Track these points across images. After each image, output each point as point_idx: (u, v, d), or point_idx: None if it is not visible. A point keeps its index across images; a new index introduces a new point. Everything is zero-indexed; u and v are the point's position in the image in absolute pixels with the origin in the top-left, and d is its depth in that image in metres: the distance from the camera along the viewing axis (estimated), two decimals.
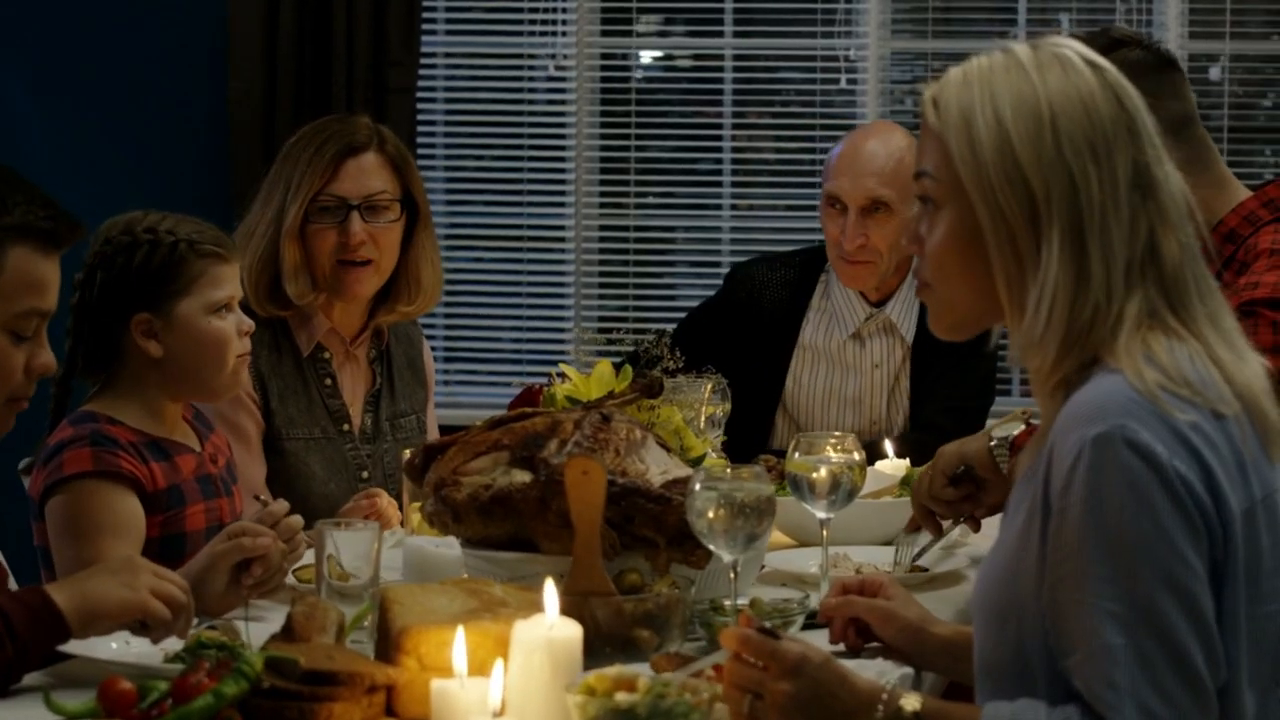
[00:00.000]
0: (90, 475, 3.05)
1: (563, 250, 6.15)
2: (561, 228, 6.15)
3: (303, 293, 3.68)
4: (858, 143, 4.29)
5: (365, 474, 3.77)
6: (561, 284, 6.16)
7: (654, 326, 5.49)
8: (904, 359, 4.33)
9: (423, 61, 5.95)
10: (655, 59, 6.21)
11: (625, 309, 6.14)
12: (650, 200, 6.17)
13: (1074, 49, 2.10)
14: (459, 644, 2.09)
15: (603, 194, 6.16)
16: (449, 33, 6.15)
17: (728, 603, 2.66)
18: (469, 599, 2.30)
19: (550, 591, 2.11)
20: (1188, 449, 1.97)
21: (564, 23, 6.10)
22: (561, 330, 6.16)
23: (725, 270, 5.08)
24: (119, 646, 2.56)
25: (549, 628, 2.10)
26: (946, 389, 4.28)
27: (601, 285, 6.17)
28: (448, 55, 6.16)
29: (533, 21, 6.12)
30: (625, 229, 6.16)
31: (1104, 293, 2.03)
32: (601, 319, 6.15)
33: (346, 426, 3.78)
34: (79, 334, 3.16)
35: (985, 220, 2.06)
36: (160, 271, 3.13)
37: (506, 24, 6.14)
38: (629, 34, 6.14)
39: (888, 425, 4.31)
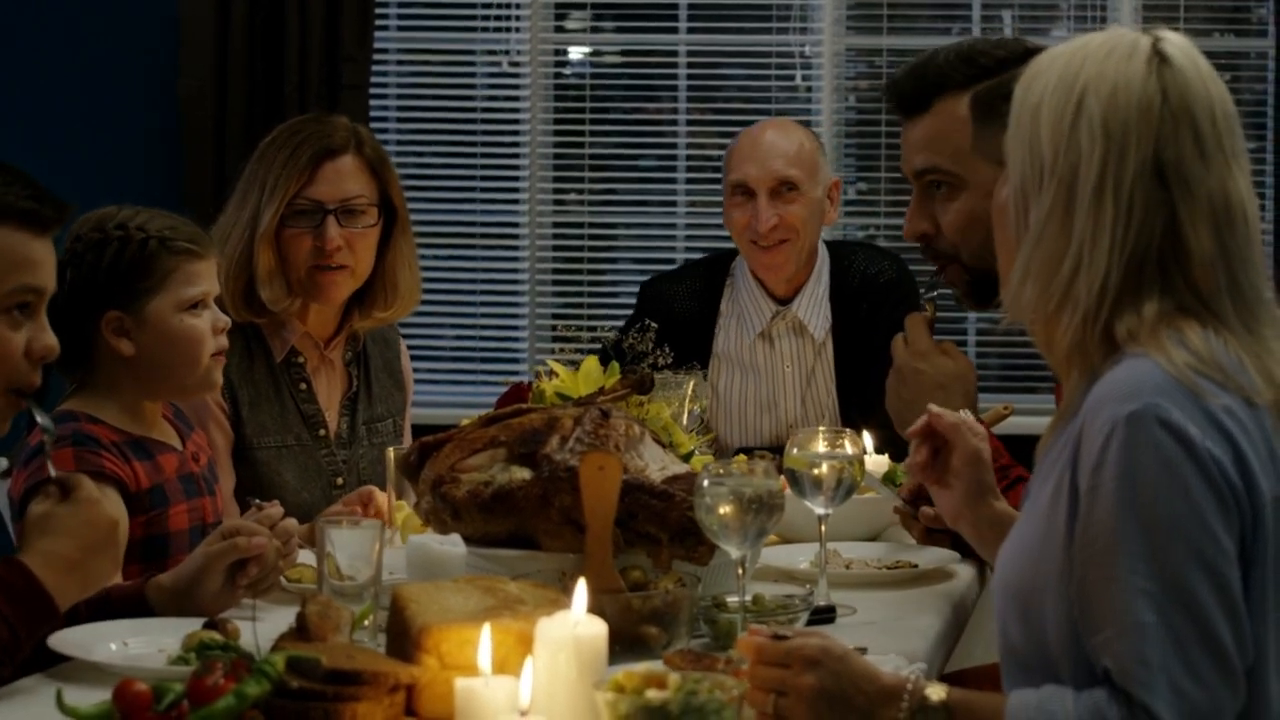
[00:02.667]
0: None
1: (516, 247, 6.13)
2: (515, 225, 6.13)
3: (277, 298, 3.62)
4: (756, 134, 4.39)
5: (340, 480, 3.72)
6: (515, 281, 6.14)
7: (609, 324, 5.49)
8: (816, 358, 4.34)
9: (375, 57, 5.91)
10: (609, 55, 6.19)
11: (580, 305, 6.12)
12: (604, 197, 6.15)
13: (1158, 42, 2.11)
14: (484, 642, 2.07)
15: (556, 190, 6.14)
16: (401, 29, 6.12)
17: (731, 599, 2.65)
18: (485, 597, 2.27)
19: (580, 589, 2.09)
20: (1220, 430, 2.00)
21: (517, 19, 6.08)
22: (515, 327, 6.14)
23: (704, 257, 5.09)
24: (118, 648, 2.54)
25: (574, 625, 2.08)
26: None
27: (555, 282, 6.16)
28: (400, 51, 6.13)
29: (485, 18, 6.10)
30: (579, 226, 6.14)
31: (1081, 260, 2.07)
32: (556, 316, 6.14)
33: (322, 432, 3.73)
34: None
35: (1009, 178, 2.15)
36: (130, 269, 3.09)
37: (459, 20, 6.11)
38: (582, 30, 6.13)
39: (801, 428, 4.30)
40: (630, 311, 4.59)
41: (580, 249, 6.15)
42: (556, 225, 6.15)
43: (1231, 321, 2.09)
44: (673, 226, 6.14)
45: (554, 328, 6.11)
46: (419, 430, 4.03)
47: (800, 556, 3.15)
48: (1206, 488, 1.98)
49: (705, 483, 2.49)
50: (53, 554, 2.44)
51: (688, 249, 6.04)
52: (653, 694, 1.97)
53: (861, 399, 4.27)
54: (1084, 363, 2.11)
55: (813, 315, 4.35)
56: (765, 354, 4.36)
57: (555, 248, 6.15)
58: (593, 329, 6.02)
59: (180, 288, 3.10)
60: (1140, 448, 1.98)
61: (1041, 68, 2.15)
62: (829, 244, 4.48)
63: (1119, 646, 1.97)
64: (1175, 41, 2.12)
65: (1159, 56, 2.09)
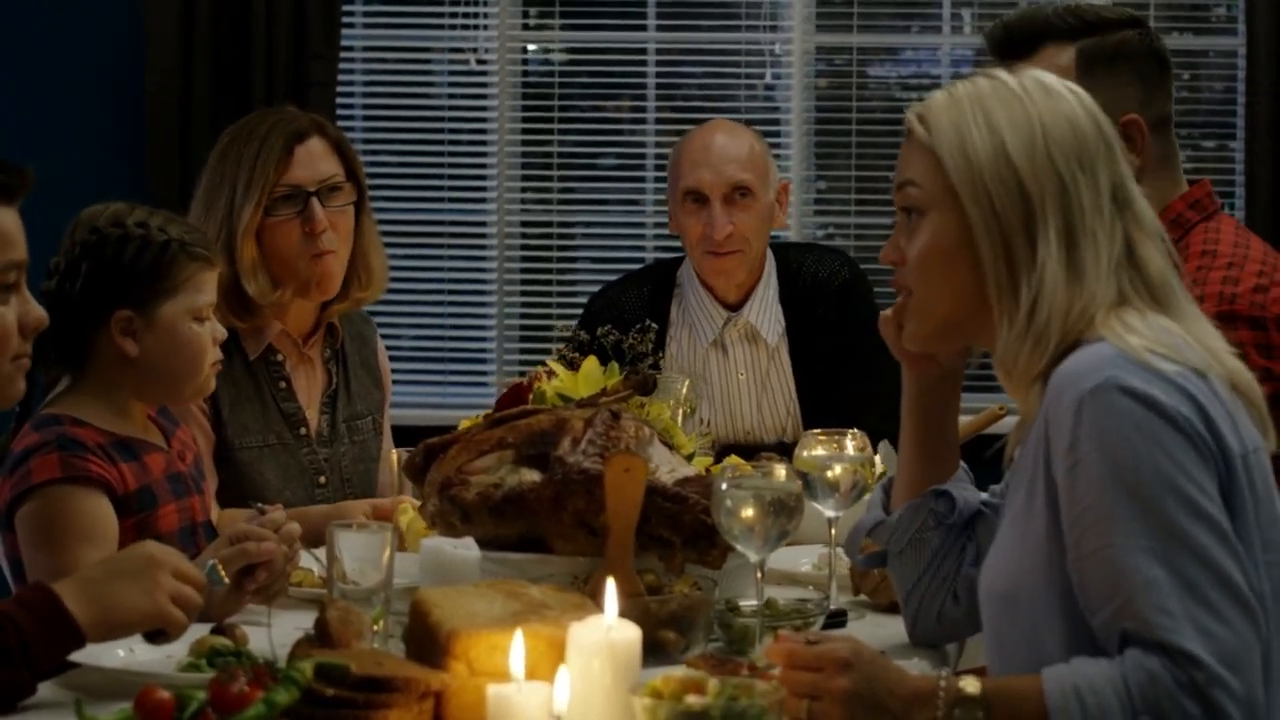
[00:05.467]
0: (60, 482, 2.96)
1: (484, 246, 6.10)
2: (483, 223, 6.10)
3: (264, 292, 3.59)
4: (706, 137, 4.29)
5: (322, 479, 3.69)
6: (483, 279, 6.10)
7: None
8: (770, 364, 4.30)
9: (341, 55, 5.87)
10: (577, 52, 6.15)
11: (549, 304, 6.10)
12: (573, 196, 6.12)
13: (1051, 76, 2.25)
14: (516, 648, 2.04)
15: (524, 189, 6.11)
16: (367, 26, 6.08)
17: (744, 603, 2.63)
18: (509, 601, 2.23)
19: (612, 592, 2.06)
20: (1181, 392, 2.07)
21: (485, 16, 6.05)
22: (483, 328, 6.10)
23: (649, 265, 5.05)
24: (126, 655, 2.50)
25: (607, 630, 2.05)
26: (876, 389, 4.21)
27: (524, 280, 6.12)
28: (366, 49, 6.09)
29: (453, 15, 6.06)
30: (548, 224, 6.11)
31: (1094, 286, 2.15)
32: (524, 314, 6.10)
33: (303, 430, 3.70)
34: (52, 323, 3.05)
35: (978, 221, 2.18)
36: (150, 270, 3.05)
37: (426, 17, 6.08)
38: (551, 27, 6.10)
39: (759, 434, 4.27)
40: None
41: (549, 248, 6.12)
42: (524, 224, 6.11)
43: (1184, 318, 2.19)
44: (641, 225, 6.11)
45: (522, 328, 6.09)
46: (391, 431, 4.00)
47: (802, 559, 3.12)
48: (1181, 441, 2.04)
49: (724, 486, 2.47)
50: (80, 573, 2.44)
51: (656, 247, 6.02)
52: (693, 699, 1.94)
53: (824, 403, 4.23)
54: (1040, 373, 2.16)
55: (764, 319, 4.29)
56: (719, 362, 4.30)
57: (523, 247, 6.12)
58: (562, 329, 6.00)
59: (193, 294, 3.08)
60: (1109, 416, 2.04)
61: (960, 113, 2.21)
62: (773, 245, 4.42)
63: (1137, 606, 2.01)
64: (1051, 76, 2.25)
65: (1069, 89, 2.23)
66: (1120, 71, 3.03)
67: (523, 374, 5.87)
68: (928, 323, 2.29)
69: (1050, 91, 2.22)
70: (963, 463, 2.54)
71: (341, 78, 5.90)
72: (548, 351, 5.94)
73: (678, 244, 5.71)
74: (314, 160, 3.64)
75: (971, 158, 2.18)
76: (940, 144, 2.21)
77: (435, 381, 6.09)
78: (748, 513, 2.45)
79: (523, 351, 6.09)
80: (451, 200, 6.09)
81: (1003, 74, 2.24)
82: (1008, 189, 2.16)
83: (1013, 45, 3.09)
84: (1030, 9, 3.26)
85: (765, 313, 4.29)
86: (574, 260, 6.18)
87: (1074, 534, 2.06)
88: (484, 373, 6.09)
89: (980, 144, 2.18)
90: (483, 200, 6.09)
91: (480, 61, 6.09)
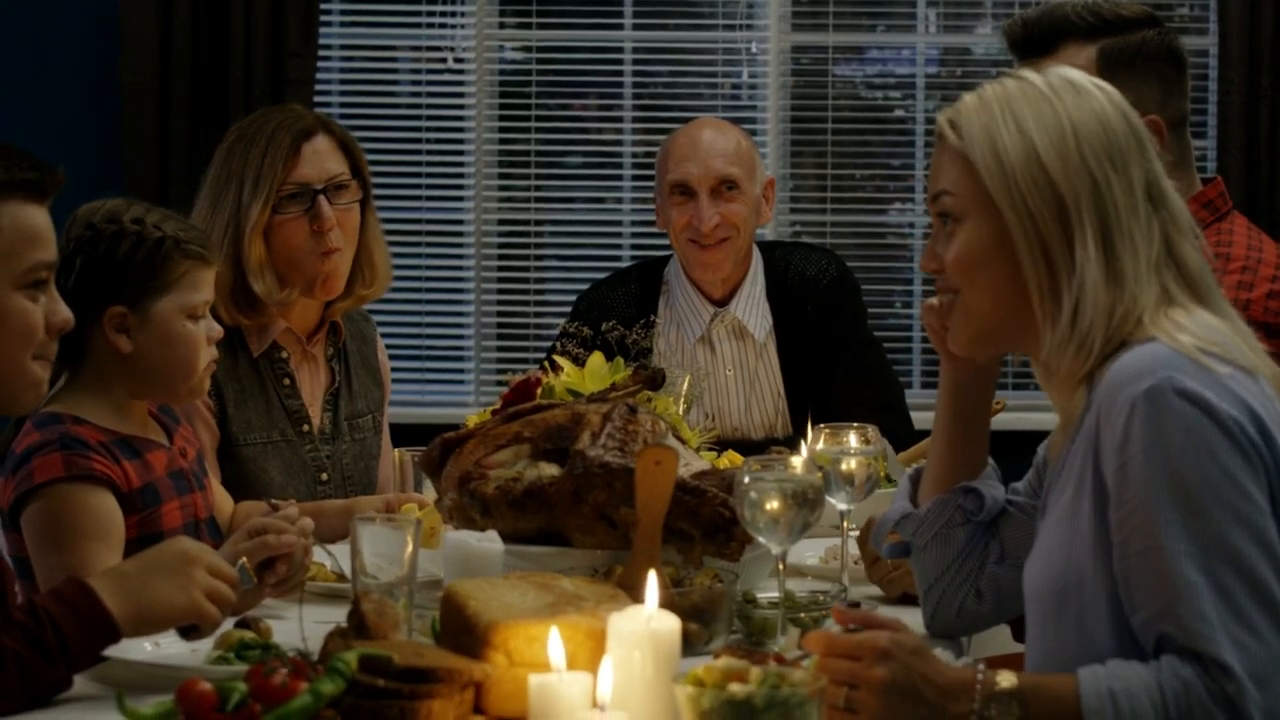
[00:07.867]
0: (64, 480, 2.96)
1: (462, 245, 6.10)
2: (460, 222, 6.10)
3: (270, 290, 3.60)
4: (693, 133, 4.33)
5: (324, 476, 3.70)
6: (461, 278, 6.11)
7: (555, 320, 5.47)
8: (757, 361, 4.32)
9: (318, 54, 5.87)
10: (554, 51, 6.16)
11: (526, 303, 6.11)
12: (550, 194, 6.14)
13: (1079, 74, 2.24)
14: (556, 638, 2.06)
15: (502, 188, 6.12)
16: (344, 25, 6.08)
17: (761, 595, 2.65)
18: (542, 593, 2.25)
19: (653, 583, 2.08)
20: (1233, 395, 2.08)
21: (461, 15, 6.06)
22: (461, 325, 6.11)
23: (626, 264, 5.07)
24: (153, 648, 2.51)
25: (647, 620, 2.07)
26: (864, 386, 4.25)
27: (501, 279, 6.13)
28: (343, 48, 6.09)
29: (430, 14, 6.07)
30: (526, 223, 6.13)
31: (1135, 287, 2.15)
32: (502, 313, 6.11)
33: (306, 427, 3.70)
34: None
35: (1014, 226, 2.18)
36: (144, 266, 3.05)
37: (403, 16, 6.09)
38: (529, 26, 6.11)
39: (747, 431, 4.29)
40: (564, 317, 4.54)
41: (526, 247, 6.13)
42: (502, 223, 6.12)
43: (1224, 315, 2.20)
44: (618, 224, 6.13)
45: (499, 325, 6.10)
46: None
47: (808, 552, 3.14)
48: (1232, 448, 2.05)
49: (747, 479, 2.49)
50: (114, 568, 2.45)
51: (633, 245, 6.04)
52: (736, 687, 1.95)
53: (812, 400, 4.25)
54: (1087, 374, 2.17)
55: (751, 315, 4.31)
56: (706, 359, 4.32)
57: (501, 246, 6.13)
58: (540, 327, 6.02)
59: (188, 292, 3.07)
60: (1162, 418, 2.05)
61: (990, 117, 2.20)
62: (760, 244, 4.45)
63: (1177, 611, 2.03)
64: (1080, 73, 2.25)
65: (1098, 86, 2.22)
66: (1141, 72, 3.05)
67: (501, 372, 5.94)
68: (971, 326, 2.28)
69: (1079, 90, 2.21)
70: (991, 459, 2.56)
71: (319, 76, 5.90)
72: (526, 349, 5.97)
73: (655, 241, 5.78)
74: (321, 158, 3.64)
75: (1004, 161, 2.17)
76: (972, 148, 2.20)
77: (414, 380, 6.10)
78: (772, 505, 2.46)
79: (500, 350, 6.10)
80: (429, 199, 6.10)
81: (1031, 74, 2.23)
82: (1041, 191, 2.16)
83: (1031, 43, 3.12)
84: (1048, 6, 3.28)
85: (752, 309, 4.31)
86: (551, 259, 6.20)
87: (1121, 533, 2.07)
88: (462, 370, 6.10)
89: (1011, 146, 2.17)
90: (460, 199, 6.10)
91: (457, 60, 6.10)
